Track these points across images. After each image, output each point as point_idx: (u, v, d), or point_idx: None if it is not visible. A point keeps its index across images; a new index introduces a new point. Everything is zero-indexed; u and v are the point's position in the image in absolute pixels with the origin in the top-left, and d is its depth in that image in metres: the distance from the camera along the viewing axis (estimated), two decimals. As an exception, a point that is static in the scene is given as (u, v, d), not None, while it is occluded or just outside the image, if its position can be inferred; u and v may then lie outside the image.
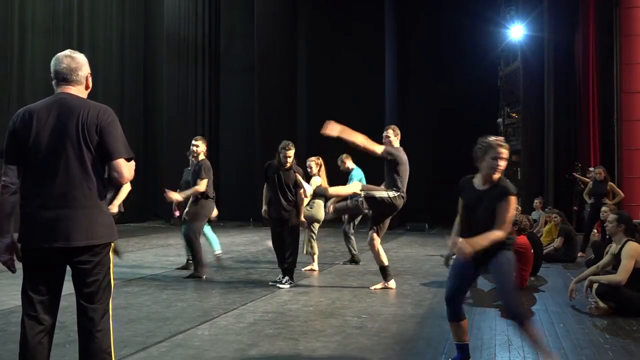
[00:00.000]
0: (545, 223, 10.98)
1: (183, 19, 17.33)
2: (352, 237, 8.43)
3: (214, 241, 8.01)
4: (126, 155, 2.77)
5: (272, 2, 17.19)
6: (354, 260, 8.46)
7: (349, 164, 8.31)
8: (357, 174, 8.19)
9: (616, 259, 5.33)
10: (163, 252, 9.89)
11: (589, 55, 14.25)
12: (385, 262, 6.37)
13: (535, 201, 12.56)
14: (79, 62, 2.84)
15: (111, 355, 2.77)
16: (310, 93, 18.95)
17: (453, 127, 19.91)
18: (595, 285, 5.26)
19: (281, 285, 6.48)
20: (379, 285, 6.39)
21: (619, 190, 10.13)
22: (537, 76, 15.48)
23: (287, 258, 6.63)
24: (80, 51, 2.97)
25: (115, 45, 16.50)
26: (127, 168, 2.77)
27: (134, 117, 16.93)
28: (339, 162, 8.34)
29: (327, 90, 18.21)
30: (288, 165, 6.65)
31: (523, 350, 4.07)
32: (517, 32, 16.46)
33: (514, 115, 18.35)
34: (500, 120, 18.46)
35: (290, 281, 6.57)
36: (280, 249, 6.75)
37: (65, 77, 2.81)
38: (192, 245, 7.04)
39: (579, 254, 9.36)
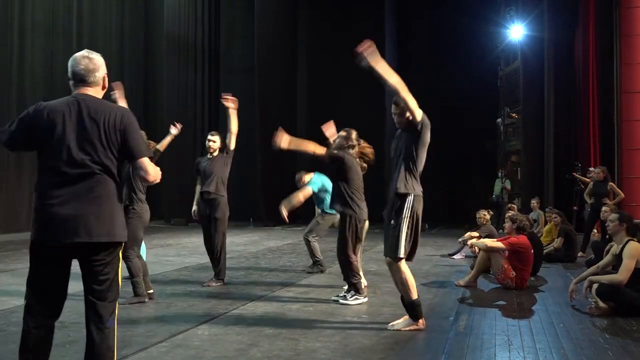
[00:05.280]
0: (545, 223, 10.99)
1: (183, 19, 17.33)
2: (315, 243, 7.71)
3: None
4: (148, 154, 2.89)
5: (272, 2, 17.19)
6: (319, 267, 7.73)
7: (306, 177, 7.95)
8: (316, 180, 7.71)
9: (617, 258, 5.33)
10: (163, 252, 9.89)
11: (589, 55, 14.24)
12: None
13: (532, 201, 12.57)
14: (96, 63, 2.89)
15: (114, 354, 2.82)
16: (310, 93, 18.96)
17: (453, 126, 19.90)
18: (595, 285, 5.25)
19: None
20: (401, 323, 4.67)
21: (619, 191, 10.14)
22: (537, 76, 15.48)
23: None
24: (80, 51, 2.99)
25: (115, 45, 16.50)
26: (151, 166, 2.87)
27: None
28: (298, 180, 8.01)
29: (327, 90, 18.21)
30: None
31: (523, 350, 4.07)
32: (517, 32, 16.47)
33: (514, 115, 18.35)
34: (500, 120, 18.47)
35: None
36: None
37: (82, 79, 2.85)
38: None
39: (579, 254, 9.36)
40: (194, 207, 7.08)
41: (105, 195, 2.76)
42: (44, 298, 2.77)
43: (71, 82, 2.88)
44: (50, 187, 2.72)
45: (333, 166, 5.76)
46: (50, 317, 2.79)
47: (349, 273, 5.72)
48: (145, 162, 2.85)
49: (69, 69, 2.87)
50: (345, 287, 5.86)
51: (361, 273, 5.95)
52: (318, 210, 7.85)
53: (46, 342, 2.79)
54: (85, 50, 2.96)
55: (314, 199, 7.81)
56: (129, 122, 2.83)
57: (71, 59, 2.88)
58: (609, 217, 5.79)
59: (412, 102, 4.44)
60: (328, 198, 7.10)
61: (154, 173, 2.87)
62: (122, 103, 4.86)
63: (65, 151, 2.71)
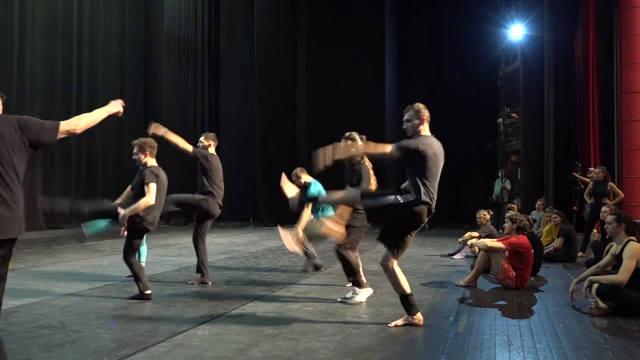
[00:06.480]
0: (546, 223, 10.99)
1: (183, 19, 17.33)
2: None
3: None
4: (56, 125, 3.09)
5: (272, 2, 17.19)
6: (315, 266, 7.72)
7: (305, 177, 7.59)
8: (315, 187, 7.49)
9: (617, 259, 5.32)
10: (163, 252, 9.89)
11: (589, 55, 14.24)
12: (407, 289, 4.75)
13: (538, 202, 12.57)
14: None
15: None
16: (310, 93, 18.95)
17: (453, 127, 19.89)
18: (595, 286, 5.25)
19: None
20: (400, 321, 4.72)
21: (619, 191, 10.13)
22: (537, 76, 15.47)
23: None
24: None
25: (115, 45, 16.48)
26: (70, 124, 3.13)
27: (134, 117, 16.90)
28: (294, 177, 7.57)
29: (327, 90, 18.21)
30: None
31: (523, 350, 4.07)
32: (517, 32, 16.45)
33: (514, 115, 18.35)
34: (500, 120, 18.47)
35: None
36: None
37: None
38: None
39: (579, 254, 9.36)
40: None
41: (18, 196, 2.99)
42: None
43: None
44: None
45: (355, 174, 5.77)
46: None
47: None
48: (63, 127, 3.09)
49: None
50: (350, 285, 5.90)
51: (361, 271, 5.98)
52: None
53: None
54: None
55: (306, 204, 7.66)
56: (28, 122, 3.04)
57: None
58: (607, 218, 5.77)
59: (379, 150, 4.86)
60: (325, 207, 7.08)
61: (77, 124, 3.13)
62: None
63: None
